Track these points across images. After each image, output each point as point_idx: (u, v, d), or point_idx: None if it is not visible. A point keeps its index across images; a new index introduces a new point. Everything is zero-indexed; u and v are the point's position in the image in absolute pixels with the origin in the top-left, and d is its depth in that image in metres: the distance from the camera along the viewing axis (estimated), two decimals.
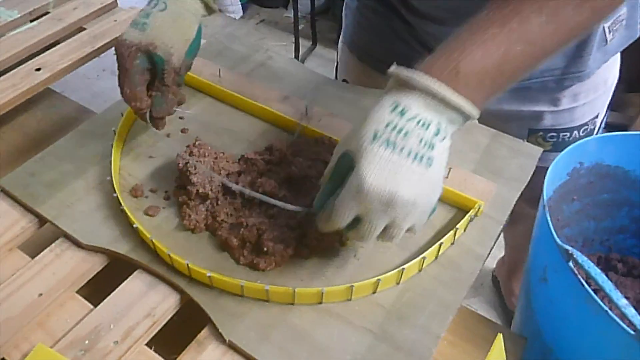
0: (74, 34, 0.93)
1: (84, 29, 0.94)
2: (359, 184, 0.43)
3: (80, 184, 0.64)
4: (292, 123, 0.69)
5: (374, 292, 0.54)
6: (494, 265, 1.51)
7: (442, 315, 0.53)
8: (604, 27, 0.73)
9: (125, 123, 0.70)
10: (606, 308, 0.52)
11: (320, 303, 0.53)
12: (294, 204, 0.56)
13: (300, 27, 2.19)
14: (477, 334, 0.61)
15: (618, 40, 0.75)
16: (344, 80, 0.93)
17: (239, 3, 2.52)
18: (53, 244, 0.60)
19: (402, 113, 0.44)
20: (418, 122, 0.44)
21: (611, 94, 0.83)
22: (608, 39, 0.74)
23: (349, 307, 0.53)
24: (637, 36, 0.78)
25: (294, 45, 2.15)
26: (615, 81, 0.83)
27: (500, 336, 0.54)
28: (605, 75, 0.79)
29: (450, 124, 0.46)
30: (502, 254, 1.43)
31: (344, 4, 0.91)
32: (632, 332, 0.50)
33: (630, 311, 0.51)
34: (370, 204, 0.44)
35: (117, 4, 1.00)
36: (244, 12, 2.56)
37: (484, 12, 0.46)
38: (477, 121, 0.92)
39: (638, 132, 0.80)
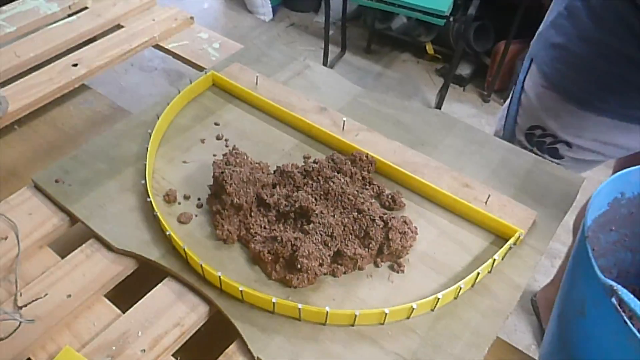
0: (111, 30, 0.93)
1: (122, 26, 0.94)
2: None
3: (113, 185, 0.64)
4: (329, 136, 0.68)
5: (408, 318, 0.52)
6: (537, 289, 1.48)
7: (478, 345, 0.51)
8: None
9: (161, 126, 0.69)
10: None
11: (353, 325, 0.51)
12: (330, 220, 0.55)
13: (330, 32, 2.18)
14: None
15: None
16: (535, 127, 0.85)
17: (270, 5, 2.52)
18: (84, 245, 0.59)
19: None
20: None
21: None
22: None
23: (381, 331, 0.51)
24: None
25: (322, 50, 2.14)
26: None
27: None
28: None
29: None
30: (547, 280, 1.40)
31: (543, 47, 0.81)
32: None
33: None
34: None
35: (155, 2, 1.00)
36: (274, 15, 2.56)
37: None
38: (526, 145, 0.90)
39: None
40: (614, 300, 0.55)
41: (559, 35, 0.78)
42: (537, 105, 0.83)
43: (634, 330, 0.52)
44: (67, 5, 0.96)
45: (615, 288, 0.54)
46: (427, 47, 2.26)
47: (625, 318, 0.54)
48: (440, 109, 2.02)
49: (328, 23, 2.05)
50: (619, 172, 0.72)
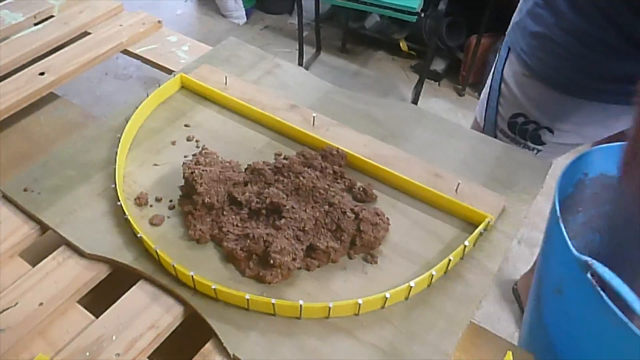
0: (79, 38, 0.92)
1: (89, 33, 0.93)
2: None
3: (84, 191, 0.63)
4: (299, 132, 0.68)
5: (382, 307, 0.53)
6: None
7: (452, 331, 0.51)
8: None
9: (131, 129, 0.69)
10: (626, 320, 0.51)
11: (328, 318, 0.52)
12: (302, 215, 0.56)
13: (305, 33, 2.19)
14: (487, 351, 0.60)
15: None
16: (518, 115, 0.87)
17: (243, 9, 2.52)
18: (55, 252, 0.59)
19: None
20: None
21: None
22: None
23: (356, 322, 0.52)
24: None
25: (297, 51, 2.14)
26: None
27: (509, 354, 0.53)
28: None
29: None
30: (528, 268, 1.42)
31: (525, 36, 0.82)
32: None
33: None
34: None
35: (122, 8, 0.99)
36: (248, 18, 2.56)
37: None
38: (495, 133, 0.91)
39: None
40: (589, 275, 0.56)
41: (538, 24, 0.79)
42: (518, 94, 0.84)
43: (610, 303, 0.54)
44: (32, 14, 0.95)
45: (590, 263, 0.56)
46: (401, 45, 2.28)
47: (601, 291, 0.55)
48: (416, 104, 2.04)
49: (301, 24, 2.06)
50: (581, 153, 0.73)
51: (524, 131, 0.86)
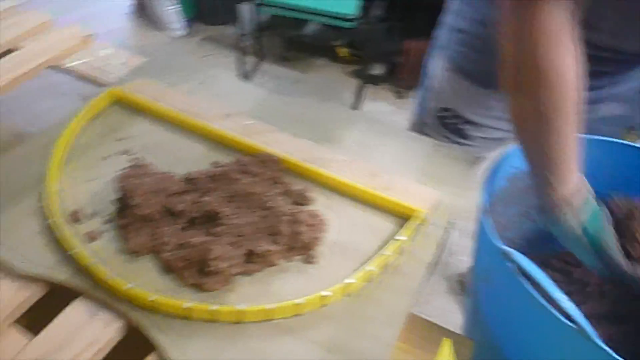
0: (6, 54, 0.90)
1: (17, 49, 0.90)
2: None
3: (16, 210, 0.61)
4: (235, 140, 0.69)
5: (324, 306, 0.54)
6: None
7: (392, 323, 0.53)
8: None
9: (62, 146, 0.68)
10: (545, 304, 0.54)
11: (270, 320, 0.52)
12: (239, 221, 0.56)
13: (246, 43, 2.19)
14: (428, 340, 0.62)
15: None
16: (445, 109, 0.90)
17: (183, 20, 2.49)
18: None
19: None
20: None
21: None
22: None
23: (299, 322, 0.53)
24: None
25: (239, 61, 2.14)
26: None
27: (447, 341, 0.55)
28: None
29: None
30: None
31: (450, 32, 0.86)
32: (572, 325, 0.52)
33: (568, 305, 0.53)
34: None
35: (52, 23, 0.97)
36: (187, 30, 2.54)
37: None
38: (425, 129, 0.95)
39: None
40: (510, 264, 0.59)
41: (460, 20, 0.83)
42: (444, 89, 0.88)
43: (529, 288, 0.57)
44: None
45: (508, 253, 0.59)
46: (340, 51, 2.32)
47: (521, 279, 0.58)
48: (358, 108, 2.08)
49: (241, 34, 2.06)
50: (512, 148, 0.77)
51: (450, 126, 0.90)
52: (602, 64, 0.59)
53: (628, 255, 0.61)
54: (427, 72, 0.91)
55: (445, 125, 0.90)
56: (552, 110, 0.54)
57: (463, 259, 1.57)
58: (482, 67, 0.81)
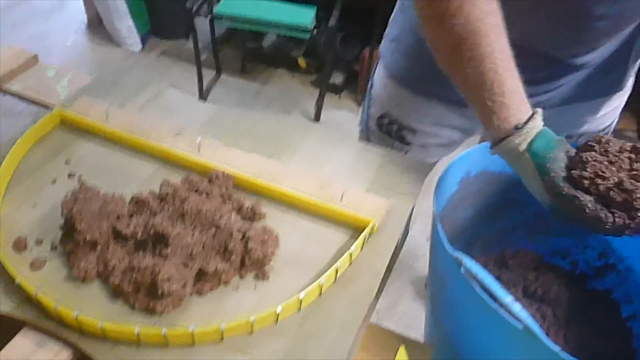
0: None
1: None
2: None
3: None
4: (185, 158, 0.68)
5: (276, 322, 0.53)
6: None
7: (346, 334, 0.53)
8: None
9: (5, 171, 0.66)
10: (495, 307, 0.55)
11: (222, 340, 0.52)
12: (188, 240, 0.56)
13: (204, 57, 2.18)
14: (387, 349, 0.63)
15: None
16: (383, 116, 0.92)
17: (137, 35, 2.46)
18: None
19: None
20: None
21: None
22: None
23: (252, 340, 0.52)
24: None
25: (197, 75, 2.13)
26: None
27: (402, 348, 0.56)
28: (631, 81, 0.87)
29: None
30: None
31: (388, 41, 0.89)
32: (519, 327, 0.53)
33: (516, 307, 0.54)
34: None
35: None
36: (143, 45, 2.51)
37: None
38: (369, 135, 0.97)
39: None
40: (462, 269, 0.61)
41: (395, 28, 0.86)
42: (382, 96, 0.90)
43: (480, 292, 0.58)
44: None
45: (459, 258, 0.60)
46: (299, 61, 2.33)
47: (472, 284, 0.59)
48: (319, 118, 2.09)
49: (198, 48, 2.05)
50: (460, 154, 0.79)
51: (390, 132, 0.92)
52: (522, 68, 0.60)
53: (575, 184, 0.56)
54: (371, 81, 0.94)
55: (386, 131, 0.92)
56: (472, 35, 0.56)
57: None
58: (414, 75, 0.84)
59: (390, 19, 0.89)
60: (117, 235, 0.58)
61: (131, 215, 0.60)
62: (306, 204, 0.64)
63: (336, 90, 2.25)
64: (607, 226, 0.53)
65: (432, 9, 0.58)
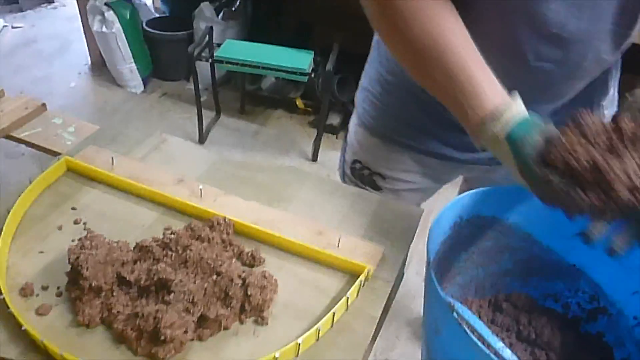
0: None
1: None
2: None
3: None
4: (187, 205, 0.71)
5: None
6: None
7: None
8: (602, 104, 0.84)
9: (13, 219, 0.68)
10: (488, 352, 0.56)
11: None
12: (190, 287, 0.58)
13: (203, 98, 2.23)
14: None
15: (607, 114, 0.87)
16: (356, 161, 0.96)
17: (139, 77, 2.53)
18: None
19: None
20: None
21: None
22: (604, 115, 0.85)
23: None
24: (617, 109, 0.89)
25: (197, 116, 2.18)
26: None
27: None
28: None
29: None
30: None
31: (359, 90, 0.93)
32: None
33: (506, 353, 0.56)
34: None
35: (4, 93, 0.98)
36: (145, 87, 2.57)
37: None
38: (345, 179, 1.00)
39: (506, 186, 0.89)
40: (455, 315, 0.62)
41: (366, 78, 0.91)
42: (354, 142, 0.95)
43: (473, 338, 0.60)
44: None
45: (452, 304, 0.62)
46: (297, 102, 2.38)
47: (466, 329, 0.61)
48: (316, 158, 2.12)
49: (198, 90, 2.10)
50: (453, 200, 0.81)
51: (362, 177, 0.96)
52: None
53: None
54: (348, 127, 0.99)
55: (358, 176, 0.96)
56: (431, 39, 0.57)
57: None
58: (383, 124, 0.89)
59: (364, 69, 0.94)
60: (122, 282, 0.60)
61: (135, 262, 0.62)
62: (304, 250, 0.66)
63: (333, 130, 2.30)
64: (585, 208, 0.51)
65: (387, 23, 0.60)
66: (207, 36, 2.06)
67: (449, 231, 0.85)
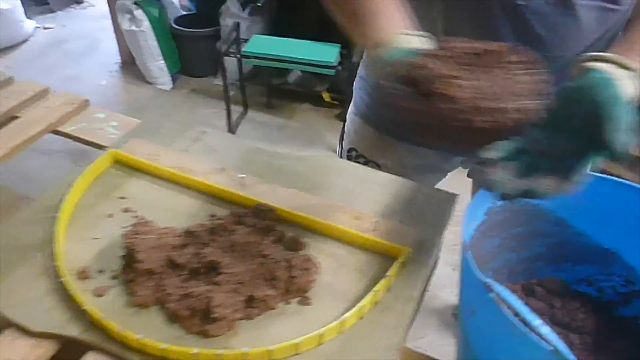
0: (7, 122, 0.95)
1: (18, 117, 0.96)
2: None
3: (24, 272, 0.65)
4: (230, 193, 0.74)
5: (320, 344, 0.58)
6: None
7: (386, 356, 0.57)
8: None
9: (66, 208, 0.72)
10: (525, 330, 0.58)
11: None
12: (238, 269, 0.61)
13: (231, 93, 2.27)
14: None
15: None
16: (351, 149, 0.99)
17: (168, 74, 2.58)
18: (1, 335, 0.60)
19: None
20: None
21: None
22: None
23: None
24: None
25: (225, 111, 2.22)
26: None
27: None
28: None
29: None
30: None
31: (356, 78, 0.97)
32: (548, 348, 0.57)
33: (544, 329, 0.57)
34: None
35: (49, 91, 1.03)
36: (173, 83, 2.62)
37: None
38: (406, 175, 1.02)
39: None
40: (491, 295, 0.64)
41: (362, 67, 0.95)
42: (350, 130, 0.98)
43: (510, 316, 0.61)
44: None
45: (489, 284, 0.63)
46: (323, 96, 2.41)
47: (502, 308, 0.63)
48: None
49: (227, 85, 2.14)
50: None
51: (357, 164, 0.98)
52: None
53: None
54: (346, 116, 1.02)
55: (354, 162, 0.98)
56: None
57: (455, 292, 1.61)
58: (375, 113, 0.91)
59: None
60: (173, 265, 0.63)
61: (184, 246, 0.65)
62: (343, 234, 0.69)
63: None
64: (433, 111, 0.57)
65: None
66: (235, 32, 2.09)
67: (483, 216, 0.87)
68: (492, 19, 0.73)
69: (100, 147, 0.89)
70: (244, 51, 2.01)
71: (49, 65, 2.82)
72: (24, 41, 3.00)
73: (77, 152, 2.38)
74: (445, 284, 1.64)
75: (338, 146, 1.07)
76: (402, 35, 0.63)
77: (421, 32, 0.64)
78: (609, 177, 0.83)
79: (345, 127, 1.02)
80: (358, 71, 0.98)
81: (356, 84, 0.98)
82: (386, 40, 0.62)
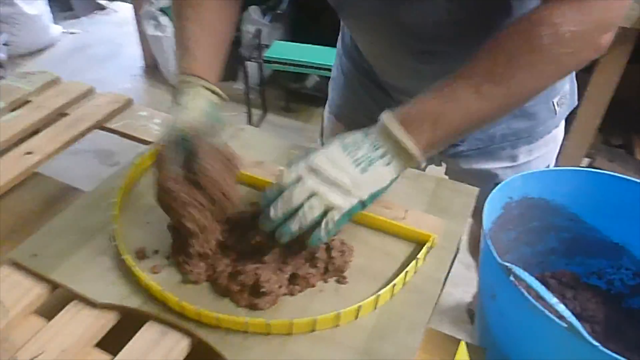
0: (57, 119, 1.02)
1: (67, 114, 1.03)
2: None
3: (87, 251, 0.72)
4: (268, 184, 0.81)
5: (356, 318, 0.64)
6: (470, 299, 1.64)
7: (414, 331, 0.63)
8: (553, 102, 0.92)
9: (122, 194, 0.79)
10: (542, 308, 0.64)
11: (313, 331, 0.63)
12: (282, 250, 0.67)
13: (250, 97, 2.35)
14: (444, 349, 0.72)
15: (564, 109, 0.95)
16: None
17: None
18: (68, 306, 0.67)
19: (365, 135, 0.66)
20: (372, 145, 0.64)
21: (559, 147, 1.03)
22: (557, 111, 0.93)
23: (337, 332, 0.63)
24: (577, 103, 0.99)
25: (246, 114, 2.29)
26: (562, 137, 1.03)
27: (463, 343, 0.65)
28: (555, 134, 0.98)
29: (397, 156, 0.64)
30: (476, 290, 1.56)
31: (330, 79, 1.08)
32: (564, 325, 0.63)
33: (561, 307, 0.64)
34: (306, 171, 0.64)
35: (94, 90, 1.10)
36: None
37: (446, 79, 0.64)
38: (427, 171, 1.08)
39: (554, 168, 0.96)
40: (512, 278, 0.70)
41: (334, 69, 1.07)
42: (326, 127, 1.09)
43: (528, 296, 0.67)
44: (11, 100, 1.04)
45: (509, 267, 0.70)
46: None
47: (522, 289, 0.69)
48: None
49: (248, 89, 2.21)
50: (505, 181, 0.89)
51: None
52: None
53: None
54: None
55: None
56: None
57: (468, 290, 1.67)
58: (344, 111, 1.02)
59: None
60: (221, 247, 0.70)
61: (230, 231, 0.72)
62: (375, 221, 0.75)
63: None
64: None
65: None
66: (257, 38, 2.17)
67: (500, 210, 0.93)
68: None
69: (145, 142, 0.96)
70: (266, 56, 2.09)
71: (74, 68, 2.91)
72: (51, 45, 3.10)
73: (103, 152, 2.46)
74: (458, 282, 1.70)
75: (318, 140, 1.19)
76: (199, 85, 0.75)
77: (217, 90, 0.76)
78: (619, 175, 0.89)
79: (323, 124, 1.15)
80: (332, 72, 1.09)
81: (330, 84, 1.10)
82: (183, 81, 0.74)
